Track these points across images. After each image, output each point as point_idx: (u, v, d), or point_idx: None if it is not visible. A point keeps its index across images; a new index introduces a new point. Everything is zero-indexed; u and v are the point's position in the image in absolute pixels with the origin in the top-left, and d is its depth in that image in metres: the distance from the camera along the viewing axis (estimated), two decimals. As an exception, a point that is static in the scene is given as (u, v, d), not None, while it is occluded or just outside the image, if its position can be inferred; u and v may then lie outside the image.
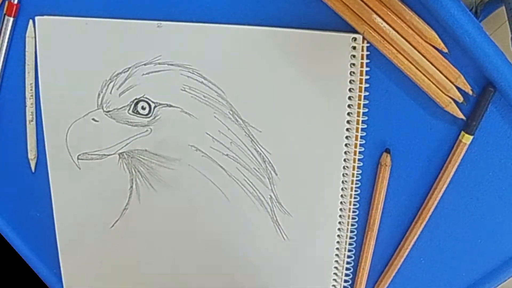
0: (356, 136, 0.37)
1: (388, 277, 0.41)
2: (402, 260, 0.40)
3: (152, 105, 0.41)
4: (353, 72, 0.36)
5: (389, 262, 0.41)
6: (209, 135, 0.40)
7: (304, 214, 0.41)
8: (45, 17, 0.42)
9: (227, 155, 0.41)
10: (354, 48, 0.35)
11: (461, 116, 0.35)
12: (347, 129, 0.37)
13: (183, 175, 0.42)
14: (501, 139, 0.35)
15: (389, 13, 0.33)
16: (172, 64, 0.40)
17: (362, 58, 0.35)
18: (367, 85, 0.36)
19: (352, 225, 0.40)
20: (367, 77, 0.36)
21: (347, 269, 0.42)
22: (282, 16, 0.36)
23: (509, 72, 0.33)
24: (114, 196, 0.44)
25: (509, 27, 0.45)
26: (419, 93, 0.35)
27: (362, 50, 0.35)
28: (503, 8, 0.47)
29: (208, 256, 0.44)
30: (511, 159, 0.36)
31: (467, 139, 0.35)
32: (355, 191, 0.39)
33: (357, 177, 0.39)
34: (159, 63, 0.40)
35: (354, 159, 0.38)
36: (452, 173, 0.37)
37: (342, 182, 0.39)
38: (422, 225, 0.39)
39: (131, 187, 0.44)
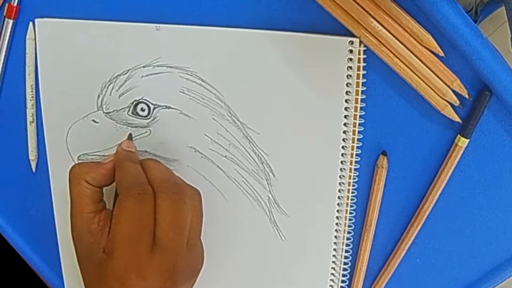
0: (353, 138, 0.38)
1: (385, 278, 0.41)
2: (398, 261, 0.40)
3: (151, 107, 0.41)
4: (350, 76, 0.36)
5: (386, 263, 0.41)
6: (207, 136, 0.41)
7: (301, 215, 0.41)
8: (45, 19, 0.42)
9: (225, 156, 0.41)
10: (351, 51, 0.35)
11: (457, 119, 0.35)
12: (344, 132, 0.38)
13: (182, 176, 0.42)
14: (497, 142, 0.36)
15: (386, 17, 0.34)
16: (171, 67, 0.40)
17: (359, 62, 0.35)
18: (364, 88, 0.36)
19: (349, 226, 0.41)
20: (364, 80, 0.36)
21: (344, 269, 0.42)
22: (279, 20, 0.37)
23: (505, 76, 0.33)
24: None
25: (509, 27, 0.45)
26: (415, 96, 0.35)
27: (359, 54, 0.35)
28: (503, 8, 0.47)
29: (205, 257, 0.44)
30: (507, 162, 0.36)
31: (463, 142, 0.35)
32: (352, 192, 0.40)
33: (354, 178, 0.39)
34: (158, 66, 0.40)
35: (351, 161, 0.38)
36: (448, 176, 0.37)
37: (339, 183, 0.39)
38: (419, 227, 0.39)
39: (131, 187, 0.44)
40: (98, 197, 0.37)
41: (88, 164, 0.38)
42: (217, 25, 0.38)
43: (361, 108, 0.37)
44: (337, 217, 0.40)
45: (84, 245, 0.35)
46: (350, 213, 0.40)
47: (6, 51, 0.44)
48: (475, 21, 0.60)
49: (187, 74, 0.40)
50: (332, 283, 0.43)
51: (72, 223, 0.36)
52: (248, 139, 0.40)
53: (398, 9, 0.33)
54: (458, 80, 0.34)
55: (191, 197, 0.36)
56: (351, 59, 0.35)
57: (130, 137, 0.42)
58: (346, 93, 0.36)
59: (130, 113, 0.42)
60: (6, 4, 0.42)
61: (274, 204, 0.41)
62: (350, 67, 0.36)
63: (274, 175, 0.40)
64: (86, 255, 0.35)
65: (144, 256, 0.33)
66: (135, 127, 0.42)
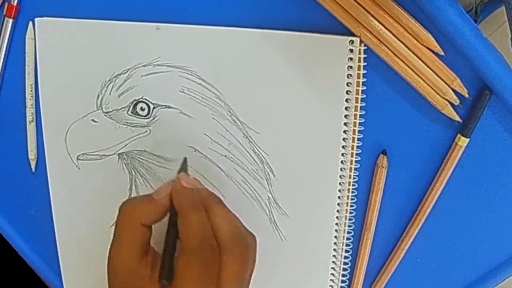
0: (353, 138, 0.38)
1: (385, 277, 0.41)
2: (398, 260, 0.40)
3: (151, 106, 0.41)
4: (350, 75, 0.36)
5: (386, 263, 0.41)
6: (207, 136, 0.41)
7: (301, 215, 0.41)
8: (44, 18, 0.42)
9: (225, 156, 0.41)
10: (351, 51, 0.35)
11: (458, 118, 0.35)
12: (344, 131, 0.38)
13: (181, 175, 0.42)
14: (497, 141, 0.36)
15: (386, 16, 0.34)
16: (171, 66, 0.40)
17: (359, 61, 0.35)
18: (364, 88, 0.36)
19: (349, 225, 0.41)
20: (364, 79, 0.36)
21: (344, 269, 0.42)
22: (280, 19, 0.37)
23: (505, 75, 0.33)
24: (113, 196, 0.44)
25: (509, 27, 0.45)
26: (415, 95, 0.35)
27: (359, 53, 0.35)
28: (503, 8, 0.47)
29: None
30: (507, 161, 0.36)
31: (463, 141, 0.35)
32: (352, 192, 0.39)
33: (354, 178, 0.39)
34: (158, 65, 0.40)
35: (351, 160, 0.38)
36: (448, 175, 0.37)
37: (340, 183, 0.39)
38: (419, 226, 0.39)
39: (131, 187, 0.44)
40: (149, 238, 0.36)
41: (142, 201, 0.36)
42: (217, 24, 0.38)
43: (361, 108, 0.37)
44: (337, 217, 0.40)
45: (129, 286, 0.34)
46: (350, 212, 0.40)
47: (5, 51, 0.44)
48: (475, 21, 0.60)
49: (187, 73, 0.40)
50: (332, 283, 0.43)
51: (115, 262, 0.34)
52: (248, 139, 0.40)
53: (398, 8, 0.33)
54: (458, 79, 0.34)
55: (252, 248, 0.35)
56: (351, 59, 0.35)
57: (185, 164, 0.39)
58: (347, 92, 0.36)
59: (129, 112, 0.42)
60: (6, 3, 0.42)
61: (274, 204, 0.41)
62: (351, 67, 0.36)
63: (274, 175, 0.40)
64: None
65: None
66: (135, 126, 0.42)
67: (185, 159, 0.39)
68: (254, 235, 0.36)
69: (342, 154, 0.38)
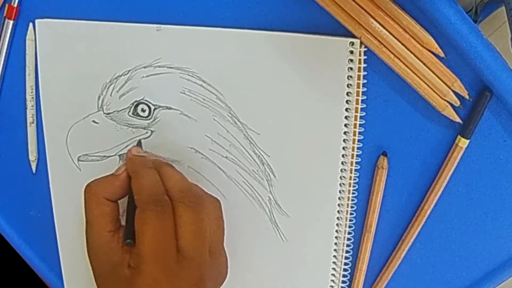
0: (354, 139, 0.38)
1: (385, 278, 0.41)
2: (399, 261, 0.40)
3: (152, 108, 0.41)
4: (351, 77, 0.36)
5: (386, 264, 0.41)
6: (208, 137, 0.41)
7: (302, 215, 0.41)
8: (45, 20, 0.42)
9: (226, 157, 0.41)
10: (351, 52, 0.35)
11: (458, 120, 0.35)
12: (345, 132, 0.38)
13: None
14: (497, 143, 0.36)
15: (386, 18, 0.34)
16: (171, 67, 0.40)
17: (360, 63, 0.35)
18: (365, 89, 0.36)
19: (350, 226, 0.41)
20: (365, 81, 0.36)
21: (345, 270, 0.42)
22: (280, 20, 0.37)
23: (505, 76, 0.33)
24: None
25: (509, 27, 0.45)
26: (416, 97, 0.36)
27: (360, 55, 0.35)
28: (503, 8, 0.47)
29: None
30: (507, 162, 0.36)
31: (463, 143, 0.35)
32: (353, 193, 0.40)
33: (354, 179, 0.39)
34: (159, 66, 0.40)
35: (352, 162, 0.38)
36: (448, 176, 0.37)
37: (340, 184, 0.39)
38: (419, 227, 0.39)
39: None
40: (117, 214, 0.37)
41: (104, 179, 0.37)
42: (217, 26, 0.38)
43: (361, 109, 0.37)
44: (337, 218, 0.40)
45: (106, 263, 0.35)
46: (351, 213, 0.40)
47: (6, 52, 0.44)
48: (475, 21, 0.60)
49: (188, 74, 0.40)
50: (332, 284, 0.43)
51: (90, 242, 0.36)
52: (249, 140, 0.40)
53: (399, 10, 0.33)
54: (459, 81, 0.34)
55: (210, 206, 0.36)
56: (351, 60, 0.35)
57: (139, 144, 0.42)
58: (347, 94, 0.36)
59: (130, 113, 0.42)
60: (6, 5, 0.42)
61: (274, 204, 0.41)
62: (351, 68, 0.36)
63: (274, 176, 0.40)
64: (108, 272, 0.35)
65: (171, 267, 0.33)
66: (136, 127, 0.42)
67: (139, 141, 0.42)
68: (216, 198, 0.38)
69: (343, 155, 0.38)
